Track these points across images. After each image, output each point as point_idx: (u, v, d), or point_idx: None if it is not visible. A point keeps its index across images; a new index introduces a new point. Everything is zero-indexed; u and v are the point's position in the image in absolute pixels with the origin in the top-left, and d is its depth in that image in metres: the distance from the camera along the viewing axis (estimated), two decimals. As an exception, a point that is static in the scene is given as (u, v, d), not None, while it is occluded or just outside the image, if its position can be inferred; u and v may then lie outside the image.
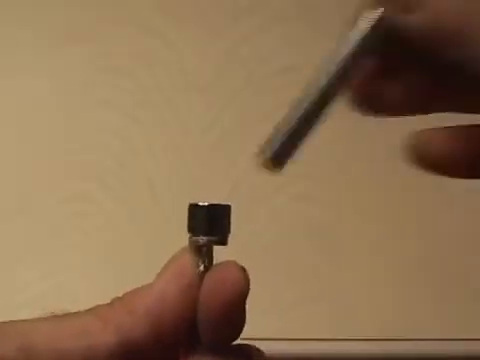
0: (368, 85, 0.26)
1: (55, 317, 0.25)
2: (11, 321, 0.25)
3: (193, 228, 0.27)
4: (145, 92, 0.75)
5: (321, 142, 0.75)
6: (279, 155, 0.26)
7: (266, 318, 0.56)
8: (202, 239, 0.26)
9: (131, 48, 0.76)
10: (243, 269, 0.25)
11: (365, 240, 0.70)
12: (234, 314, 0.25)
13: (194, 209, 0.27)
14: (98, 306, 0.25)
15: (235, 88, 0.72)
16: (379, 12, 0.25)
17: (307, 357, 0.64)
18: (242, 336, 0.26)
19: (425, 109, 0.27)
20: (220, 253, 0.26)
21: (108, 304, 0.25)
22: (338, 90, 0.26)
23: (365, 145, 0.69)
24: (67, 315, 0.25)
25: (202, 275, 0.25)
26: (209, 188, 0.70)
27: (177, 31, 0.75)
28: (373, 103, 0.26)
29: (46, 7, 0.77)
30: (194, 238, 0.26)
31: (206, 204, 0.26)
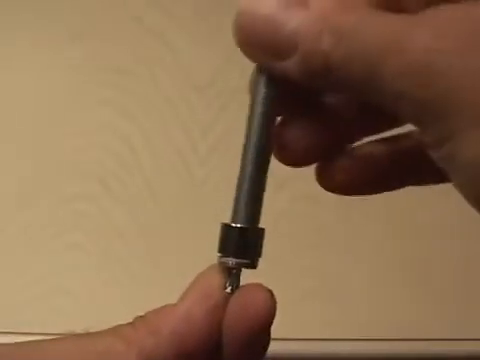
0: (279, 138, 0.27)
1: (77, 337, 0.24)
2: (32, 341, 0.24)
3: (224, 249, 0.26)
4: (145, 92, 0.75)
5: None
6: (249, 221, 0.26)
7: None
8: (232, 261, 0.25)
9: (131, 48, 0.76)
10: (270, 292, 0.25)
11: (365, 240, 0.70)
12: (259, 339, 0.24)
13: (226, 230, 0.26)
14: (120, 326, 0.25)
15: (235, 88, 0.72)
16: (259, 67, 0.26)
17: (307, 357, 0.64)
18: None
19: (338, 146, 0.28)
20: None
21: (130, 324, 0.25)
22: (268, 150, 0.27)
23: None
24: (89, 335, 0.24)
25: (229, 297, 0.25)
26: (209, 188, 0.70)
27: (177, 31, 0.75)
28: (287, 155, 0.27)
29: (46, 7, 0.77)
30: (224, 259, 0.26)
31: (239, 226, 0.26)
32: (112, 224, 0.70)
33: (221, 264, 0.26)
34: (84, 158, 0.73)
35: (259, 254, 0.26)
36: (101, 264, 0.69)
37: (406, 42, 0.22)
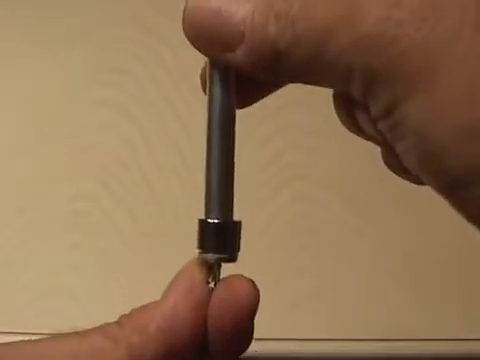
0: None
1: (65, 336, 0.25)
2: (20, 342, 0.24)
3: (203, 245, 0.26)
4: (145, 92, 0.75)
5: (321, 142, 0.75)
6: (223, 214, 0.26)
7: (266, 318, 0.56)
8: (212, 256, 0.26)
9: (131, 48, 0.76)
10: (252, 283, 0.25)
11: (365, 240, 0.70)
12: (244, 329, 0.25)
13: (204, 225, 0.26)
14: (106, 325, 0.25)
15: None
16: (212, 62, 0.27)
17: (307, 357, 0.64)
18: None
19: None
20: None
21: (116, 323, 0.25)
22: (232, 140, 0.27)
23: (365, 145, 0.69)
24: (76, 334, 0.25)
25: (211, 291, 0.25)
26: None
27: (177, 31, 0.75)
28: None
29: (46, 7, 0.77)
30: (204, 255, 0.26)
31: (216, 221, 0.26)
32: (112, 224, 0.70)
33: (201, 260, 0.26)
34: (84, 158, 0.73)
35: (238, 247, 0.26)
36: (101, 264, 0.69)
37: (357, 14, 0.23)
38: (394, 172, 0.28)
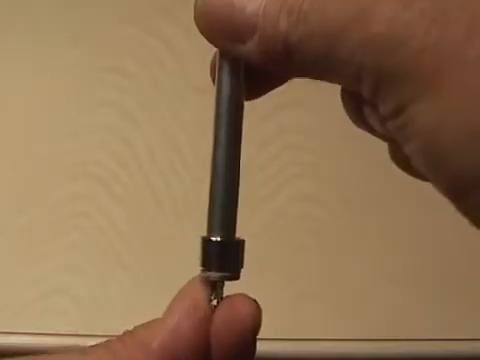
0: None
1: (68, 353, 0.25)
2: (26, 357, 0.24)
3: (206, 263, 0.26)
4: (145, 92, 0.75)
5: (321, 142, 0.75)
6: (226, 231, 0.26)
7: (265, 318, 0.56)
8: (215, 274, 0.26)
9: (131, 48, 0.76)
10: (254, 302, 0.25)
11: (365, 240, 0.70)
12: (247, 347, 0.25)
13: (207, 244, 0.26)
14: (109, 341, 0.25)
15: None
16: (221, 53, 0.26)
17: (307, 357, 0.64)
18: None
19: None
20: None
21: (119, 339, 0.25)
22: (237, 142, 0.27)
23: (365, 145, 0.69)
24: (79, 351, 0.25)
25: (214, 309, 0.25)
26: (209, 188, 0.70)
27: (177, 31, 0.75)
28: None
29: (46, 7, 0.77)
30: (207, 273, 0.26)
31: (219, 239, 0.26)
32: (112, 224, 0.70)
33: (204, 278, 0.26)
34: (84, 158, 0.73)
35: (241, 265, 0.26)
36: (101, 264, 0.69)
37: (368, 13, 0.23)
38: (402, 169, 0.28)
